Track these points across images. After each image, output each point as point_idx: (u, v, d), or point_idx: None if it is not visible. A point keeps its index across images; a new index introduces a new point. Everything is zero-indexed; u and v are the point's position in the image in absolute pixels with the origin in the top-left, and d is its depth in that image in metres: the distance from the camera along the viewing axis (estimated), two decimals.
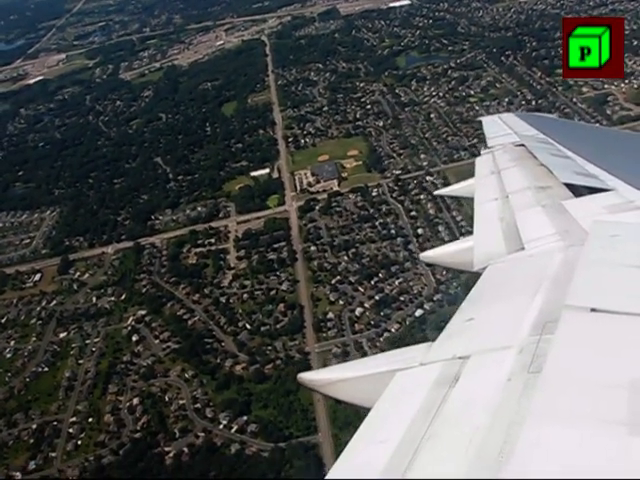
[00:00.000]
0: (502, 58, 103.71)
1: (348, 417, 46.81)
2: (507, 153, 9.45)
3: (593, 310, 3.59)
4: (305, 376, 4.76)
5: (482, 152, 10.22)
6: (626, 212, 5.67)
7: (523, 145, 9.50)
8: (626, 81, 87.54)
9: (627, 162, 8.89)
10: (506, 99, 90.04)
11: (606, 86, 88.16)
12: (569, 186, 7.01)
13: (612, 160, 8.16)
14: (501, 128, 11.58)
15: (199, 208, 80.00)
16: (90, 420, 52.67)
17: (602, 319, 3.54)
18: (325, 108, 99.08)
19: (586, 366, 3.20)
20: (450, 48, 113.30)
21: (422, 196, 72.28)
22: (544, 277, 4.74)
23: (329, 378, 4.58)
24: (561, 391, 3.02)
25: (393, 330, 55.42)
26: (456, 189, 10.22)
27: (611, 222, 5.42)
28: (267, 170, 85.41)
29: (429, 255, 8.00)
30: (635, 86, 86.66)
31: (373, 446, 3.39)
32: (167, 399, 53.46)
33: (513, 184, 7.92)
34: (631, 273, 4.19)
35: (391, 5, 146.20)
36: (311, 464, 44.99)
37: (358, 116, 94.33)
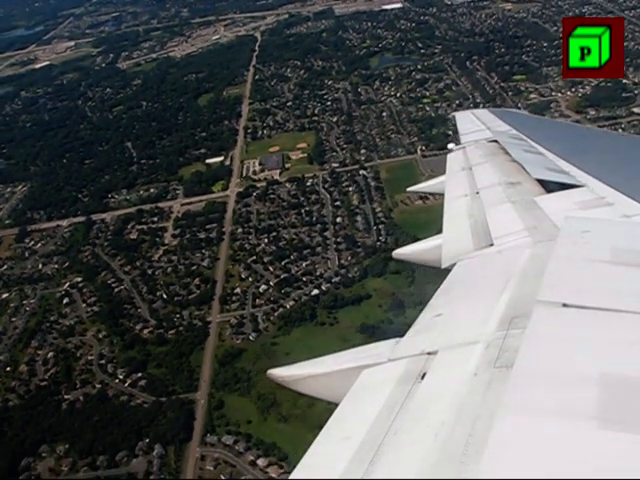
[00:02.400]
0: (467, 62, 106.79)
1: (227, 380, 52.26)
2: (479, 149, 9.48)
3: (565, 305, 3.60)
4: (275, 372, 4.68)
5: (454, 148, 10.22)
6: (597, 208, 5.80)
7: (496, 141, 9.58)
8: (573, 89, 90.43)
9: (597, 158, 9.15)
10: (457, 101, 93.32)
11: (553, 93, 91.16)
12: (540, 182, 7.17)
13: (583, 157, 8.33)
14: (474, 124, 11.60)
15: (152, 189, 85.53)
16: (7, 369, 58.59)
17: (573, 314, 3.53)
18: (289, 103, 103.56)
19: (557, 360, 3.17)
20: (423, 51, 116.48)
21: (351, 188, 76.62)
22: (512, 273, 4.79)
23: (299, 374, 4.55)
24: (532, 385, 2.99)
25: (287, 306, 60.05)
26: (428, 186, 10.04)
27: (582, 218, 5.47)
28: (221, 158, 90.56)
29: (401, 252, 8.00)
30: (579, 95, 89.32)
31: (338, 442, 3.39)
32: (78, 355, 59.12)
33: (484, 180, 7.90)
34: (602, 269, 4.21)
35: (383, 7, 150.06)
36: (181, 416, 50.39)
37: (316, 112, 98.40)
